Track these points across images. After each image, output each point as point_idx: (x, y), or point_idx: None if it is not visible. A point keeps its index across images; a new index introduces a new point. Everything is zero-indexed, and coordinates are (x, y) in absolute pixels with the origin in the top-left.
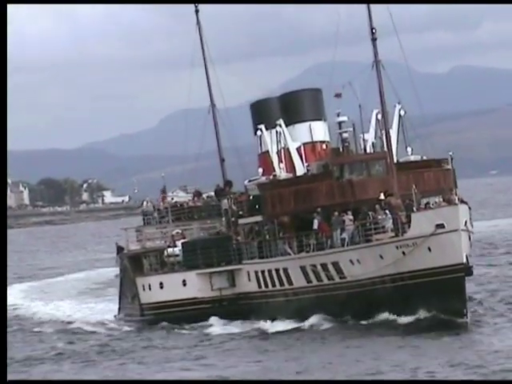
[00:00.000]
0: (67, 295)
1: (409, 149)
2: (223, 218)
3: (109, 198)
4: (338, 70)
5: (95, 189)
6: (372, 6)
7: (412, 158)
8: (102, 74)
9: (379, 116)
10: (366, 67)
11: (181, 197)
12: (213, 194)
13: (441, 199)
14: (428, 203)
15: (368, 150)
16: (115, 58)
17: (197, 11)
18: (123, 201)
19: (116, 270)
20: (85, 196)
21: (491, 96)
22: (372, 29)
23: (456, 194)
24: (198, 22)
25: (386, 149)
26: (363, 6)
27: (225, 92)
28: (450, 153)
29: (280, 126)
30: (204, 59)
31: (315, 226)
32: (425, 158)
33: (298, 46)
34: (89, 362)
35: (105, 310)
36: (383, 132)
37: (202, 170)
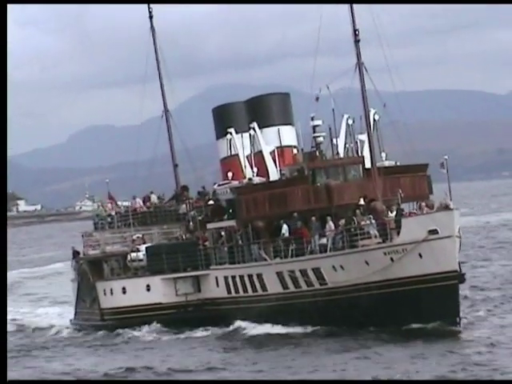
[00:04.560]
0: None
1: (383, 154)
2: (190, 223)
3: (22, 206)
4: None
5: (10, 198)
6: None
7: (386, 163)
8: (16, 95)
9: (350, 121)
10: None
11: (88, 205)
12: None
13: (423, 204)
14: (402, 209)
15: (341, 155)
16: (25, 81)
17: (151, 17)
18: (36, 209)
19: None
20: None
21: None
22: (355, 30)
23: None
24: (152, 27)
25: (369, 153)
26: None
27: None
28: (445, 157)
29: (254, 129)
30: (158, 66)
31: (284, 232)
32: (399, 163)
33: (189, 69)
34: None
35: (57, 314)
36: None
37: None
